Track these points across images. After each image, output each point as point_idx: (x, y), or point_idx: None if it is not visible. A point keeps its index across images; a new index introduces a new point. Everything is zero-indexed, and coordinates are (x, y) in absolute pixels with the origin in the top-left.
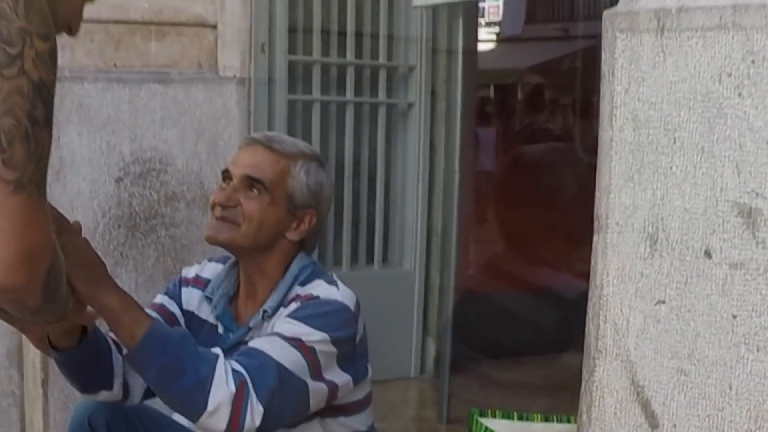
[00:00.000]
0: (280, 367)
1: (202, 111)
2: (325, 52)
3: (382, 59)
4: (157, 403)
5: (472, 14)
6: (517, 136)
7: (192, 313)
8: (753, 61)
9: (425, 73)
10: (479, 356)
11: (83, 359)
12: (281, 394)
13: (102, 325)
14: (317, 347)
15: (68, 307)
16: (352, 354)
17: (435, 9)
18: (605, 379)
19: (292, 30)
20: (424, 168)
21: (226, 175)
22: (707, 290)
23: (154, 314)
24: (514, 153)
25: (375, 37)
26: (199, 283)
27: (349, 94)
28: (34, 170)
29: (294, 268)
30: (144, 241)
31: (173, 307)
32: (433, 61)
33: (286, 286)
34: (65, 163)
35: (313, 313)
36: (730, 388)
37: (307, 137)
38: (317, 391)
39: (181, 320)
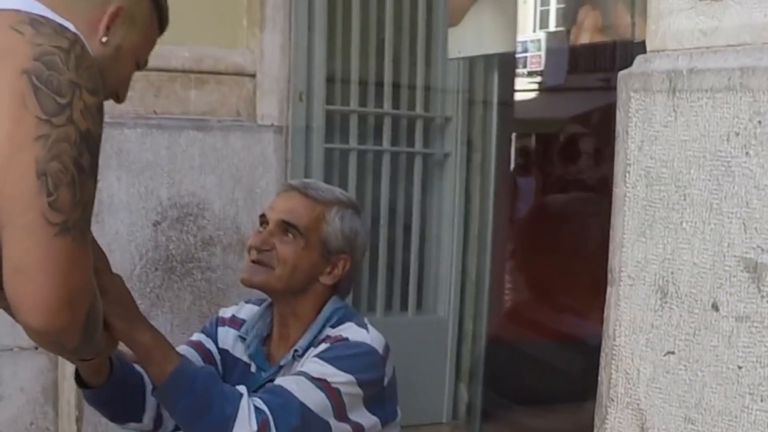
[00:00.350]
0: (303, 407)
1: (239, 158)
2: (363, 102)
3: (419, 110)
4: None
5: (509, 66)
6: (556, 186)
7: (227, 352)
8: (759, 122)
9: (461, 123)
10: (510, 403)
11: (111, 396)
12: None
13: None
14: (342, 389)
15: (103, 345)
16: (380, 396)
17: (471, 61)
18: (617, 427)
19: (330, 80)
20: (459, 216)
21: (263, 219)
22: (714, 342)
23: (191, 351)
24: (550, 202)
25: (412, 88)
26: (235, 323)
27: (386, 144)
28: (80, 215)
29: (326, 310)
30: (180, 284)
31: (210, 345)
32: (470, 112)
33: (317, 328)
34: (104, 206)
35: (341, 354)
36: None
37: (343, 185)
38: (341, 431)
39: (217, 358)
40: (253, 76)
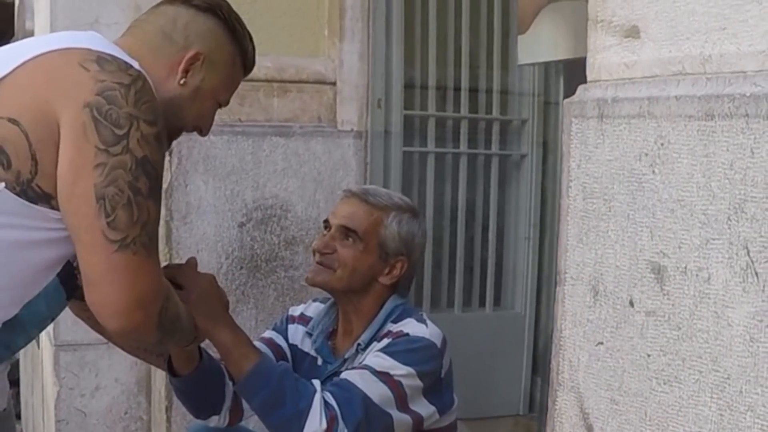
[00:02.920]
0: (366, 399)
1: (321, 162)
2: (441, 107)
3: (495, 113)
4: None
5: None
6: None
7: (296, 347)
8: (662, 144)
9: (537, 125)
10: None
11: (197, 385)
12: (367, 424)
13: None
14: (404, 381)
15: (192, 336)
16: (438, 386)
17: (545, 65)
18: (563, 408)
19: (408, 86)
20: (535, 215)
21: (326, 224)
22: (630, 333)
23: (264, 347)
24: None
25: (489, 92)
26: (304, 320)
27: (464, 146)
28: (139, 233)
29: (387, 307)
30: (264, 281)
31: (280, 341)
32: (545, 114)
33: (379, 323)
34: (192, 209)
35: (402, 348)
36: (646, 415)
37: (422, 187)
38: (401, 421)
39: (287, 352)
40: (333, 84)
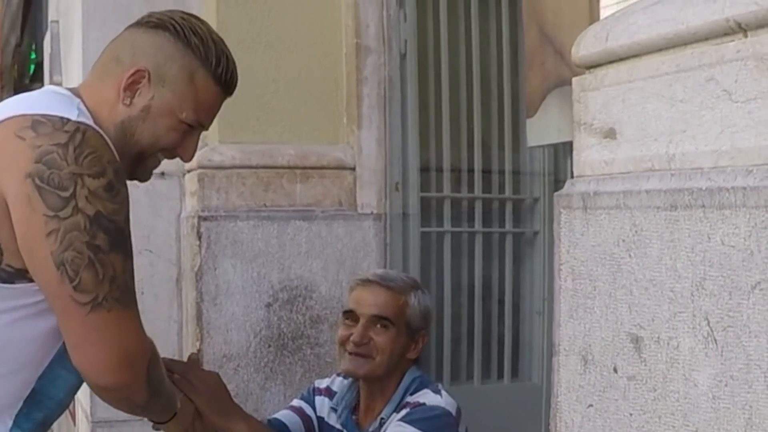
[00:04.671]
0: None
1: (343, 244)
2: (456, 188)
3: (508, 192)
4: None
5: None
6: None
7: (322, 419)
8: (636, 232)
9: (548, 203)
10: None
11: None
12: None
13: None
14: None
15: (176, 405)
16: None
17: (555, 145)
18: None
19: (424, 169)
20: (549, 289)
21: (349, 315)
22: (615, 396)
23: (293, 415)
24: None
25: (501, 172)
26: (329, 393)
27: (478, 225)
28: (109, 289)
29: (406, 380)
30: (291, 358)
31: (309, 411)
32: (556, 192)
33: (399, 397)
34: (221, 291)
35: (420, 417)
36: None
37: (439, 265)
38: None
39: (315, 423)
40: (353, 169)
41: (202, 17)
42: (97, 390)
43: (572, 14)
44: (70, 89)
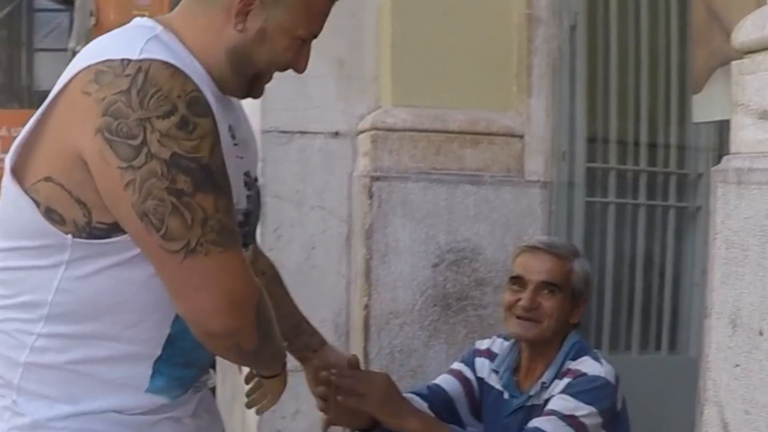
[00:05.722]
0: None
1: (509, 209)
2: (621, 160)
3: (672, 167)
4: None
5: None
6: None
7: (482, 380)
8: None
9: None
10: None
11: None
12: None
13: None
14: (587, 421)
15: (284, 356)
16: (614, 420)
17: (720, 122)
18: (708, 419)
19: (591, 140)
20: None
21: (516, 281)
22: (760, 357)
23: (453, 379)
24: None
25: (667, 146)
26: (489, 355)
27: (642, 198)
28: (202, 232)
29: (566, 345)
30: (455, 318)
31: (468, 374)
32: (714, 167)
33: (560, 361)
34: (390, 249)
35: (582, 389)
36: None
37: (602, 236)
38: None
39: (475, 384)
40: (521, 137)
41: None
42: (205, 338)
43: None
44: (160, 18)
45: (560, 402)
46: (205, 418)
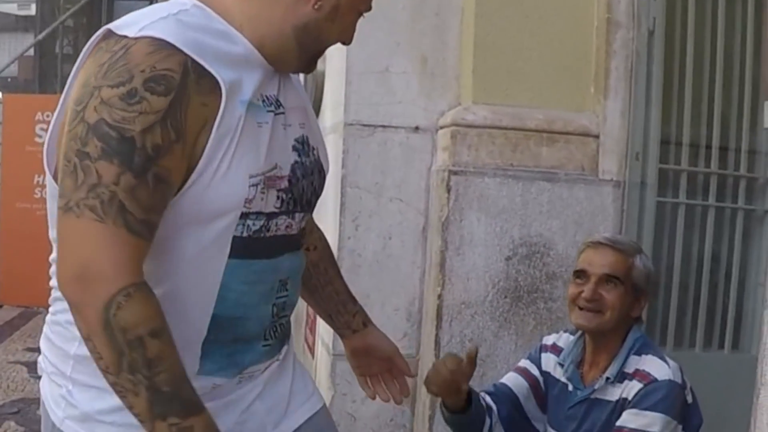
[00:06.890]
0: None
1: (582, 207)
2: (693, 162)
3: (742, 170)
4: None
5: None
6: None
7: (548, 374)
8: None
9: None
10: None
11: (465, 424)
12: None
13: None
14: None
15: (177, 413)
16: (687, 413)
17: None
18: (763, 402)
19: (664, 142)
20: None
21: (580, 274)
22: None
23: (519, 377)
24: None
25: (737, 151)
26: (555, 350)
27: (712, 200)
28: (85, 195)
29: (629, 340)
30: (525, 310)
31: (534, 370)
32: None
33: (623, 356)
34: (465, 241)
35: (655, 401)
36: None
37: (672, 235)
38: None
39: (540, 380)
40: (596, 137)
41: None
42: None
43: None
44: None
45: (631, 417)
46: (275, 395)
